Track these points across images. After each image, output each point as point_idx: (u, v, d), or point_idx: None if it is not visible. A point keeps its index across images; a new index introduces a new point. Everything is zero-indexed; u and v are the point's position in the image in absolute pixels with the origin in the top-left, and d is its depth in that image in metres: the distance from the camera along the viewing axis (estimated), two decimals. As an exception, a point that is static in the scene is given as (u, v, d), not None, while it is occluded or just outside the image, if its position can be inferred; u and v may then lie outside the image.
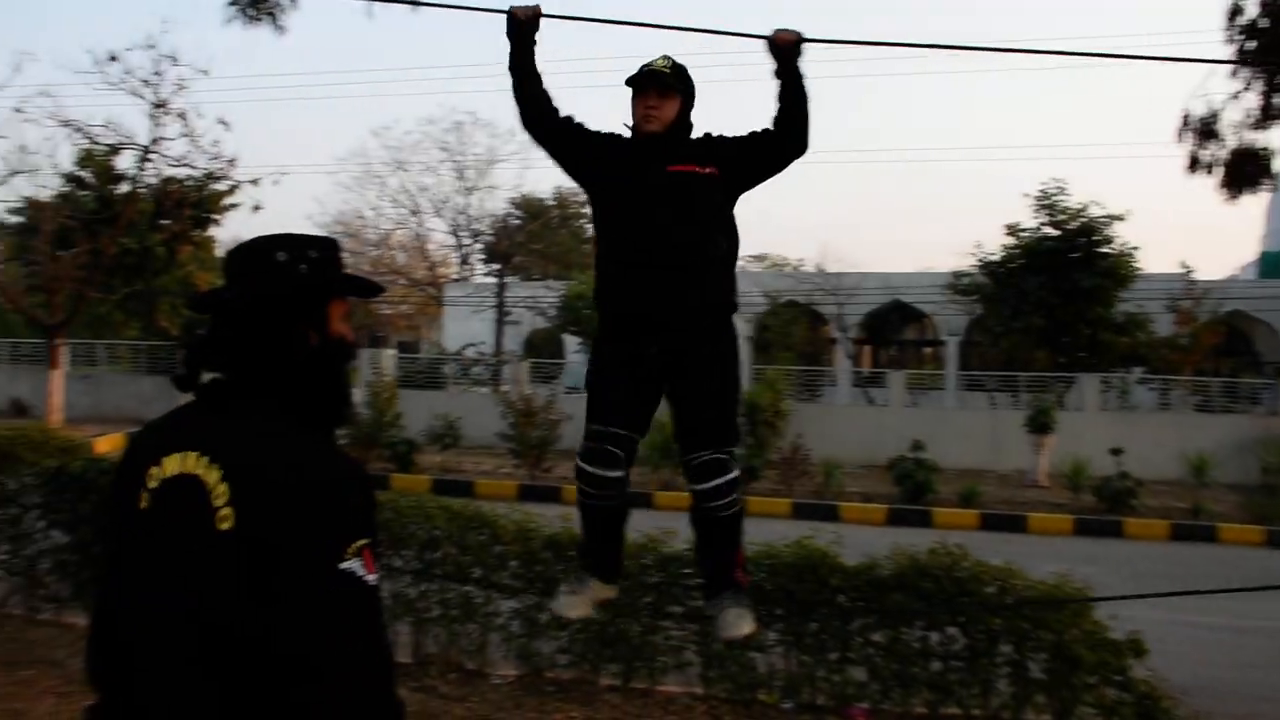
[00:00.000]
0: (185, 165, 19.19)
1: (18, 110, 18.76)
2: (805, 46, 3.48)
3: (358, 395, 20.80)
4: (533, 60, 3.56)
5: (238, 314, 1.68)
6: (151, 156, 18.71)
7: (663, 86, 3.44)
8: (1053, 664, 4.92)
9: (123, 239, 21.62)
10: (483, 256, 42.50)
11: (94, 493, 6.19)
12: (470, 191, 34.34)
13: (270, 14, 8.40)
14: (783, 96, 3.48)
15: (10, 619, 6.36)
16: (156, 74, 17.81)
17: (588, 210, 36.39)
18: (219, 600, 1.49)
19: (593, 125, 3.64)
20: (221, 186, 22.85)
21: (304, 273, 1.69)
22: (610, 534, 3.72)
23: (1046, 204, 21.97)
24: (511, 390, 18.63)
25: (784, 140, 3.52)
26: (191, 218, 24.41)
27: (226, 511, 1.51)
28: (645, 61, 3.52)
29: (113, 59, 17.79)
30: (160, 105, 17.96)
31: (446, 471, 15.72)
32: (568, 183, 46.64)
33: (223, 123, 20.62)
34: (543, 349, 27.09)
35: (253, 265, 1.70)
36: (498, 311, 27.30)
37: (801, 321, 28.76)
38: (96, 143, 19.86)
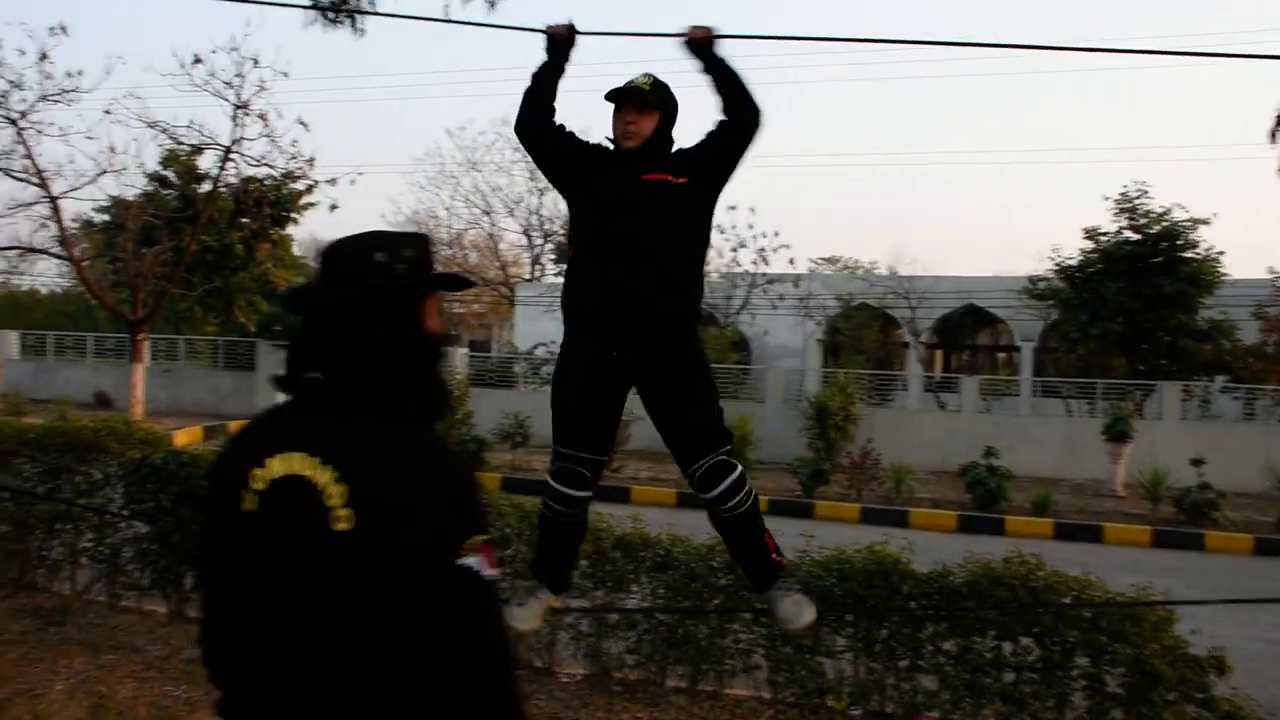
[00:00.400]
0: (265, 165, 19.50)
1: (107, 112, 19.20)
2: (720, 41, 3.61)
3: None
4: (558, 76, 3.71)
5: (338, 314, 1.68)
6: (232, 156, 19.01)
7: (641, 103, 3.55)
8: (1131, 679, 4.80)
9: (203, 237, 22.10)
10: (554, 256, 42.78)
11: (174, 484, 6.33)
12: (543, 191, 34.52)
13: (350, 17, 8.53)
14: (717, 88, 3.59)
15: (94, 605, 6.53)
16: (238, 76, 18.10)
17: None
18: (338, 601, 1.50)
19: (582, 136, 3.78)
20: (299, 186, 23.23)
21: (402, 271, 1.69)
22: (567, 548, 3.86)
23: (1127, 207, 21.50)
24: (581, 390, 18.69)
25: (734, 124, 3.59)
26: (270, 216, 24.90)
27: (344, 512, 1.51)
28: (629, 78, 3.65)
29: (197, 61, 18.11)
30: (242, 106, 18.26)
31: (516, 470, 15.80)
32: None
33: (302, 123, 20.98)
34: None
35: (352, 265, 1.70)
36: (568, 311, 27.41)
37: (873, 325, 28.50)
38: (180, 143, 20.27)
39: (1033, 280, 23.39)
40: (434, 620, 1.50)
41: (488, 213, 37.15)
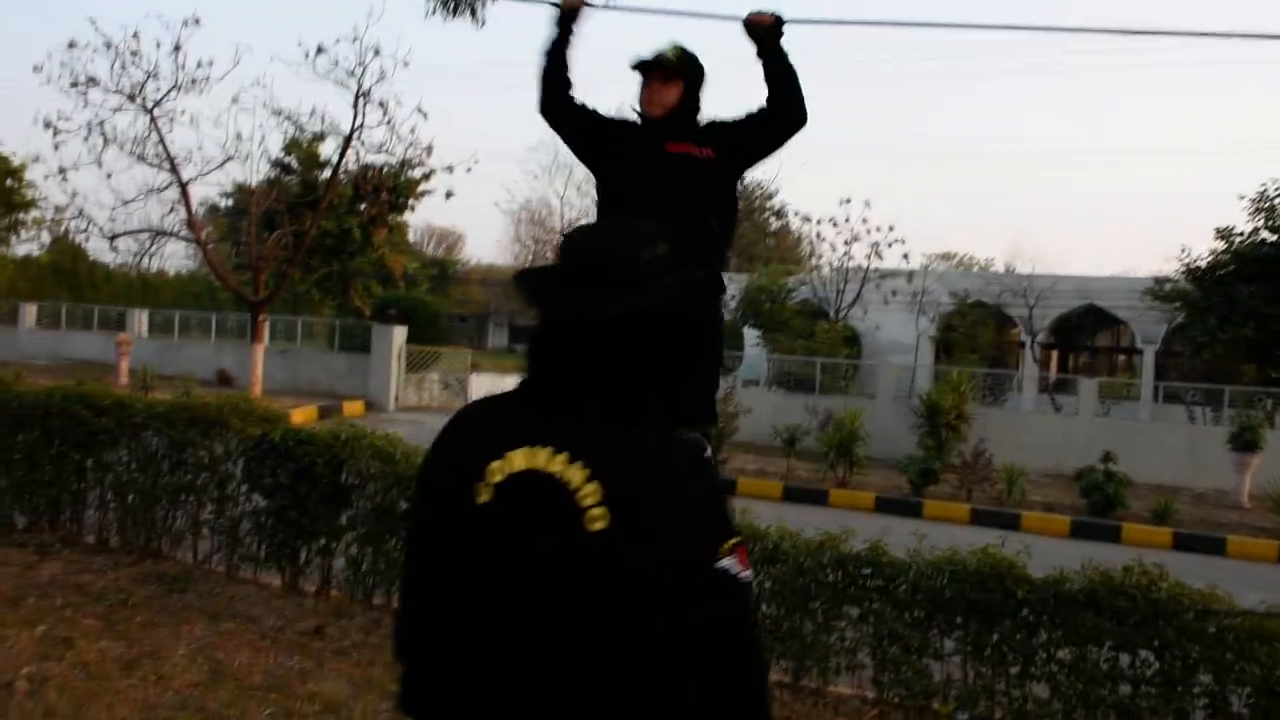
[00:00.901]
0: (384, 152, 19.97)
1: (235, 100, 19.86)
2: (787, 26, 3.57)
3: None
4: (567, 50, 3.75)
5: (604, 316, 1.61)
6: (353, 144, 19.51)
7: (666, 73, 3.53)
8: (1259, 700, 4.59)
9: (323, 222, 22.68)
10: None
11: (291, 460, 6.50)
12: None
13: (470, 7, 8.62)
14: (769, 78, 3.58)
15: (213, 574, 6.75)
16: (360, 65, 18.57)
17: (770, 203, 36.21)
18: (587, 600, 1.48)
19: (606, 112, 3.79)
20: (416, 173, 23.66)
21: (665, 272, 1.65)
22: None
23: (1265, 206, 20.60)
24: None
25: (776, 121, 3.60)
26: (388, 202, 25.44)
27: (600, 512, 1.48)
28: (656, 48, 3.60)
29: (321, 51, 18.62)
30: (362, 95, 18.72)
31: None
32: (752, 175, 46.64)
33: (420, 111, 21.38)
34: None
35: (622, 270, 1.63)
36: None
37: (988, 323, 27.88)
38: (303, 130, 20.89)
39: (1158, 281, 22.61)
40: (691, 622, 1.48)
41: (600, 202, 37.29)
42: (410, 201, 29.10)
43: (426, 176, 24.45)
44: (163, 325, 29.35)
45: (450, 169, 20.54)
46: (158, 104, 18.85)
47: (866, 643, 5.35)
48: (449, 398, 24.52)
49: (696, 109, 3.64)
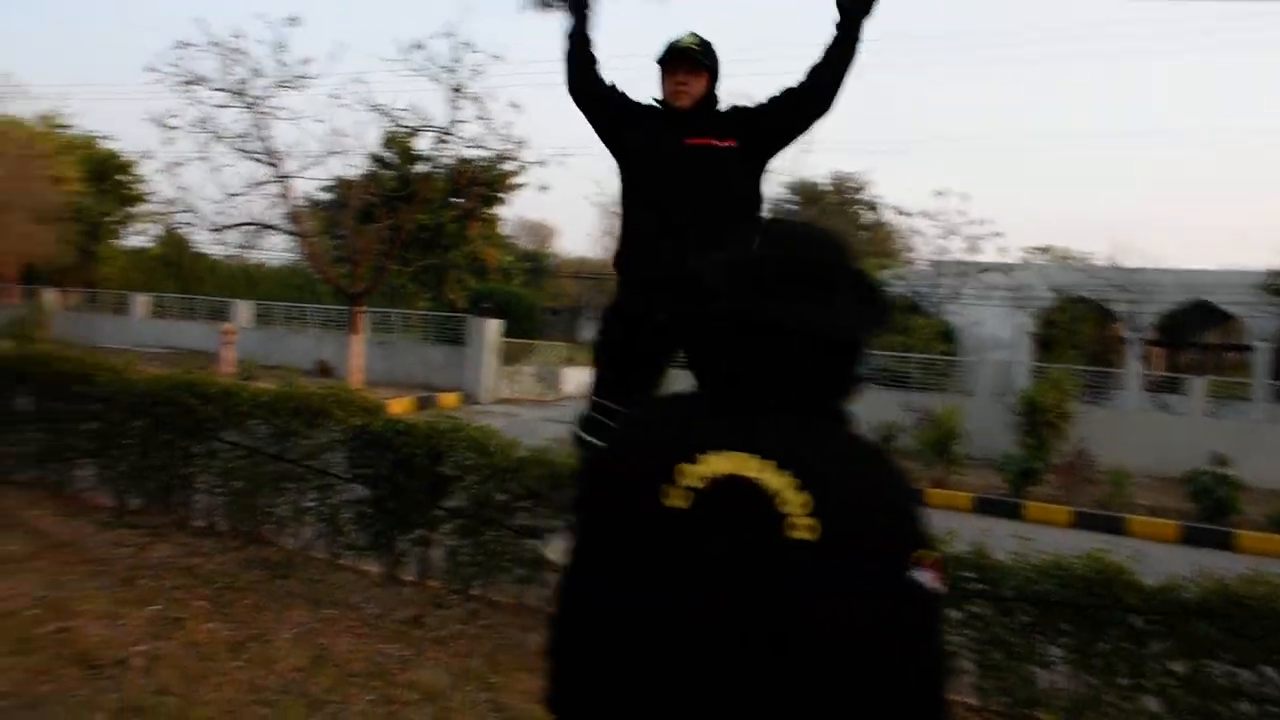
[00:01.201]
0: (478, 146, 20.17)
1: (333, 96, 20.29)
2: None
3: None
4: (588, 29, 3.76)
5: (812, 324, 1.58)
6: (448, 138, 19.75)
7: (693, 64, 3.54)
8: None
9: (419, 215, 22.99)
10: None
11: (391, 451, 6.59)
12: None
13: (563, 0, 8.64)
14: (830, 50, 3.45)
15: (314, 562, 6.88)
16: (455, 60, 18.77)
17: (862, 195, 35.74)
18: (787, 607, 1.46)
19: (634, 95, 3.77)
20: (510, 167, 23.87)
21: (867, 283, 1.64)
22: None
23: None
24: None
25: (808, 97, 3.50)
26: (482, 196, 25.71)
27: (806, 521, 1.46)
28: (674, 38, 3.62)
29: (417, 47, 18.88)
30: (457, 90, 18.92)
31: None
32: (844, 167, 46.17)
33: (514, 105, 21.60)
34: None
35: (845, 278, 1.62)
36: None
37: (1090, 319, 27.17)
38: (399, 126, 21.17)
39: (1274, 275, 21.76)
40: (885, 632, 1.46)
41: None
42: (504, 195, 29.38)
43: (520, 170, 24.67)
44: (265, 316, 30.13)
45: (543, 162, 20.68)
46: (261, 100, 19.31)
47: (970, 648, 5.23)
48: (543, 391, 24.72)
49: (715, 99, 3.65)
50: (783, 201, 34.82)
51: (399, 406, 18.02)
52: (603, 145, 3.85)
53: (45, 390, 8.10)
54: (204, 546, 6.92)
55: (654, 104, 3.70)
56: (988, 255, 25.50)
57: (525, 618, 6.08)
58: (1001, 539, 5.54)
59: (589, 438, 3.69)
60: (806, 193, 35.57)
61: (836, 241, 1.67)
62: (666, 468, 1.53)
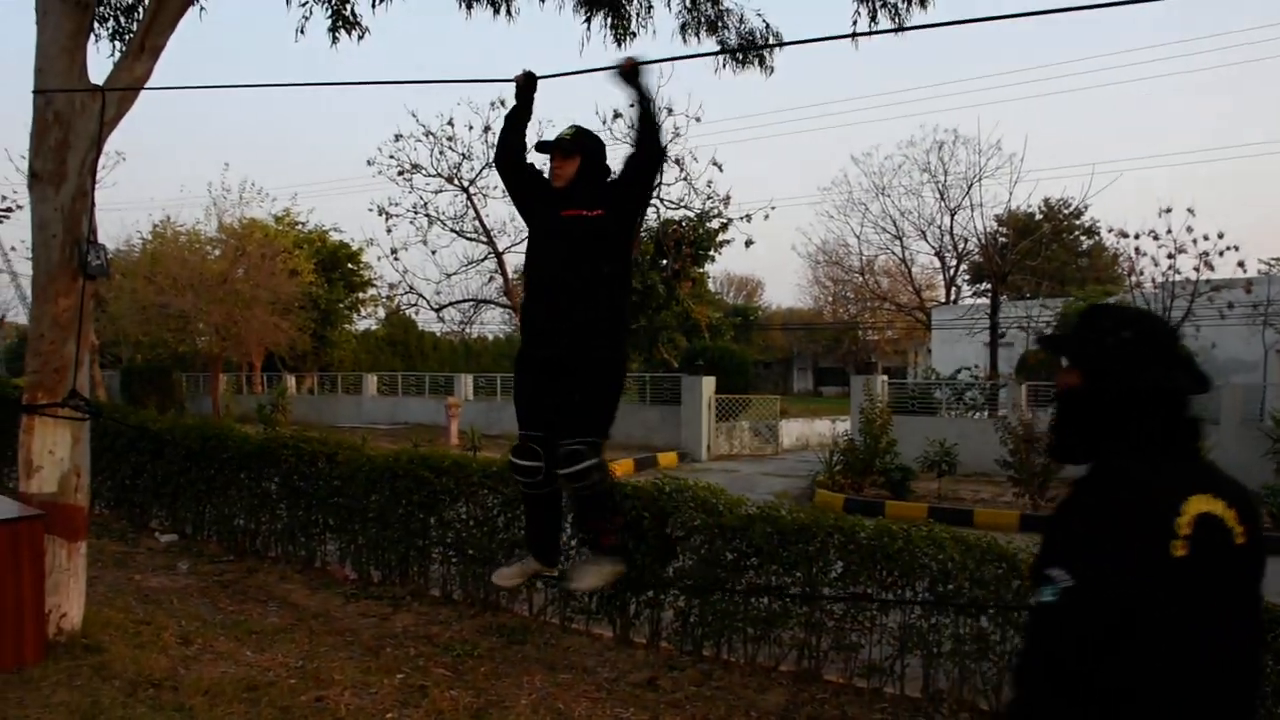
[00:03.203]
0: (683, 207, 20.41)
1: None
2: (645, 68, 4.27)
3: (852, 422, 20.89)
4: (525, 118, 4.47)
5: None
6: (652, 201, 20.06)
7: (564, 151, 4.30)
8: None
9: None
10: (968, 277, 41.34)
11: (617, 515, 6.62)
12: (954, 212, 33.50)
13: (759, 58, 8.68)
14: (637, 117, 4.23)
15: (548, 626, 6.97)
16: (654, 124, 19.10)
17: (1079, 221, 34.29)
18: (1255, 607, 1.97)
19: (542, 170, 4.61)
20: (715, 224, 24.03)
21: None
22: (543, 517, 4.68)
23: None
24: (1010, 414, 17.80)
25: (639, 158, 4.26)
26: (689, 256, 25.96)
27: (1240, 529, 1.89)
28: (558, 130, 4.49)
29: (618, 116, 19.36)
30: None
31: (943, 499, 15.27)
32: (1056, 194, 44.33)
33: (715, 164, 21.77)
34: (1039, 370, 25.58)
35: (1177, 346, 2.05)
36: (991, 333, 26.21)
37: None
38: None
39: None
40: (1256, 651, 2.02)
41: (898, 237, 36.53)
42: (712, 253, 29.64)
43: (725, 227, 24.80)
44: (485, 388, 31.26)
45: (748, 217, 20.68)
46: (473, 182, 20.19)
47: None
48: (760, 445, 24.57)
49: (602, 174, 4.36)
50: (995, 234, 33.68)
51: (619, 468, 18.25)
52: (518, 212, 4.64)
53: (291, 470, 8.59)
54: (441, 615, 7.13)
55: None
56: (1223, 271, 23.79)
57: (759, 678, 5.97)
58: (1273, 579, 5.05)
59: (518, 461, 4.40)
60: (1018, 223, 34.27)
61: (1162, 319, 2.12)
62: (1167, 521, 1.80)
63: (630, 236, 4.47)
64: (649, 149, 4.26)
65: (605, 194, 4.29)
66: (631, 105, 4.25)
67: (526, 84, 4.44)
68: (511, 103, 4.53)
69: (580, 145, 4.32)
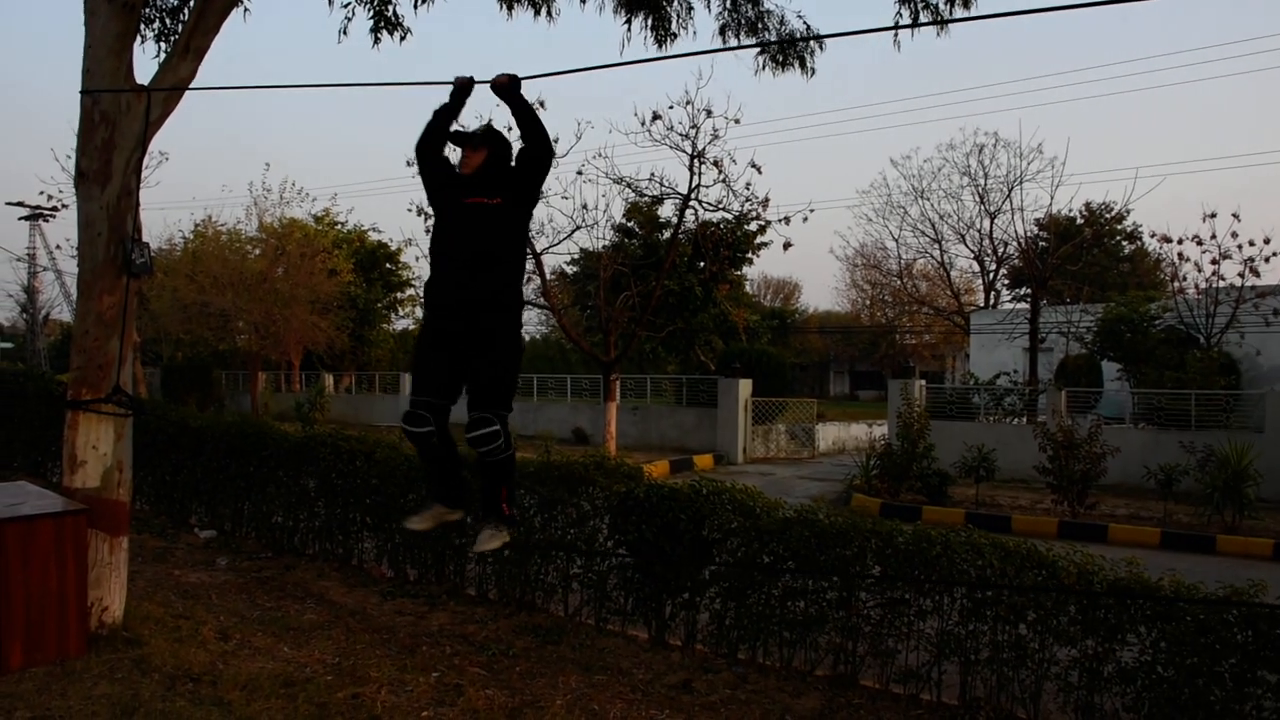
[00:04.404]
0: (721, 209, 20.35)
1: (579, 173, 20.98)
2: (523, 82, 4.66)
3: (889, 426, 20.75)
4: (453, 116, 4.86)
5: None
6: (691, 204, 20.03)
7: (474, 144, 4.69)
8: None
9: (666, 281, 23.38)
10: (1007, 281, 40.96)
11: (655, 516, 6.62)
12: (994, 215, 33.20)
13: (800, 59, 8.65)
14: (518, 124, 4.60)
15: (583, 627, 6.97)
16: (693, 127, 19.07)
17: (1121, 226, 33.82)
18: None
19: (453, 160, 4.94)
20: (753, 227, 23.95)
21: None
22: (442, 469, 4.92)
23: None
24: (1049, 421, 17.60)
25: (532, 157, 4.64)
26: (727, 258, 25.88)
27: None
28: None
29: (656, 118, 19.32)
30: (697, 156, 19.20)
31: (980, 505, 15.12)
32: (1098, 198, 43.80)
33: (754, 166, 21.69)
34: (1078, 376, 25.30)
35: None
36: (1030, 338, 25.94)
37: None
38: (643, 195, 21.65)
39: None
40: None
41: (937, 240, 36.25)
42: (749, 255, 29.54)
43: (763, 229, 24.71)
44: (522, 389, 31.32)
45: (786, 220, 20.54)
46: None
47: (1294, 712, 4.71)
48: (796, 448, 24.47)
49: (505, 168, 4.71)
50: (1035, 238, 33.35)
51: (655, 470, 18.22)
52: (427, 197, 4.90)
53: (329, 468, 8.65)
54: (477, 615, 7.15)
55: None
56: (1270, 278, 23.44)
57: (794, 682, 5.94)
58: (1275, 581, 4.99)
59: (410, 428, 4.61)
60: (1058, 227, 33.93)
61: None
62: None
63: (526, 222, 4.91)
64: (539, 146, 4.63)
65: (504, 184, 4.68)
66: (515, 114, 4.64)
67: (465, 88, 4.87)
68: (446, 100, 4.93)
69: (489, 140, 4.74)
